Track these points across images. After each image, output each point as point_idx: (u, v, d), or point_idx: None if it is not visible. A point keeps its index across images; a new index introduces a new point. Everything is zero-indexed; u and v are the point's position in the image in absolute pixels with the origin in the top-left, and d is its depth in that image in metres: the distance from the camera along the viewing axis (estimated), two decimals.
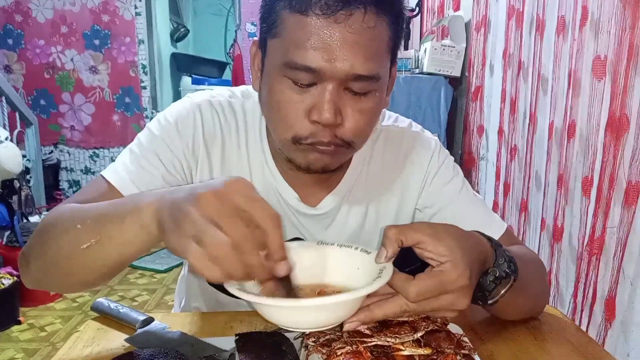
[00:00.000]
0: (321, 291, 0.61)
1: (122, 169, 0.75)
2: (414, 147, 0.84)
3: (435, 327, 0.65)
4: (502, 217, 1.56)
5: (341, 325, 0.58)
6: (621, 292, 0.99)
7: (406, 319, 0.65)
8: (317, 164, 0.69)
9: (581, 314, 1.12)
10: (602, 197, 1.04)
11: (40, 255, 0.65)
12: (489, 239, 0.63)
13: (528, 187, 1.37)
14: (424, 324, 0.65)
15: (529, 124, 1.36)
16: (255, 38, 0.73)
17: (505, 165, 1.55)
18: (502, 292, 0.62)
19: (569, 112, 1.15)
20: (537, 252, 1.34)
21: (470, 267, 0.55)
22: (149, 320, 0.81)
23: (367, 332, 0.63)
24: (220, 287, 0.82)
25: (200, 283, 0.94)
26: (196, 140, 0.77)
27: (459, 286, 0.54)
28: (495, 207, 1.63)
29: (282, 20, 0.64)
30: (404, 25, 0.70)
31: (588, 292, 1.09)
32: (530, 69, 1.36)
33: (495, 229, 0.78)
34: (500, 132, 1.59)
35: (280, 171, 0.79)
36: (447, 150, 0.87)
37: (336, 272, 0.62)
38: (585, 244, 1.10)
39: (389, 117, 0.87)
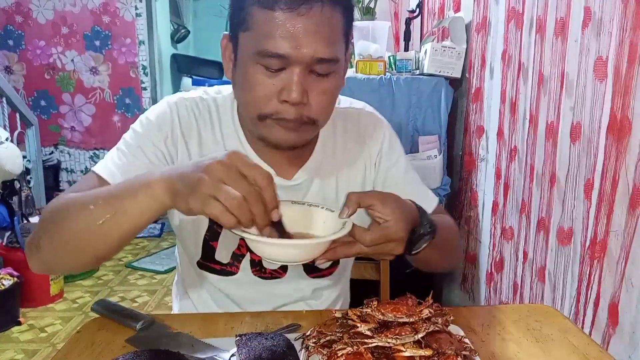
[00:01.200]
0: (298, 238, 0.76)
1: (111, 164, 0.84)
2: (370, 126, 0.98)
3: (436, 328, 0.65)
4: (503, 217, 1.56)
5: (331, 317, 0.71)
6: (625, 298, 0.99)
7: (407, 320, 0.65)
8: (285, 141, 0.81)
9: (584, 318, 1.12)
10: (604, 200, 1.03)
11: (52, 238, 0.73)
12: (417, 206, 0.80)
13: (530, 189, 1.37)
14: (425, 325, 0.65)
15: (529, 125, 1.36)
16: (225, 32, 0.83)
17: (505, 166, 1.55)
18: (424, 245, 0.79)
19: (569, 113, 1.15)
20: (537, 253, 1.34)
21: (406, 225, 0.74)
22: (150, 321, 0.81)
23: (368, 332, 0.64)
24: (205, 266, 0.95)
25: (192, 288, 1.01)
26: (174, 132, 0.88)
27: (398, 237, 0.73)
28: (495, 208, 1.63)
29: (251, 16, 0.74)
30: (353, 13, 0.82)
31: (591, 296, 1.09)
32: (530, 70, 1.36)
33: (430, 201, 0.97)
34: (500, 133, 1.59)
35: (255, 151, 0.90)
36: (394, 131, 1.01)
37: (307, 223, 0.78)
38: (587, 247, 1.10)
39: (345, 101, 1.01)
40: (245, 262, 0.95)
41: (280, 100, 0.76)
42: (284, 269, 0.97)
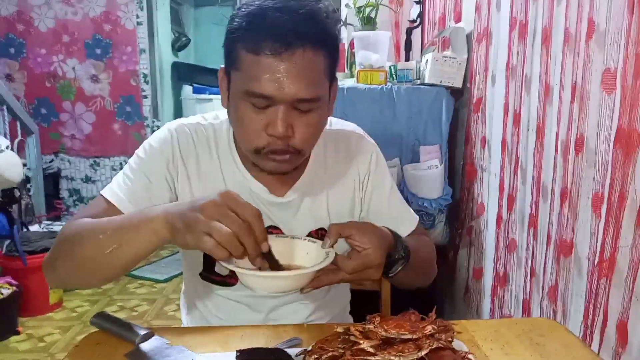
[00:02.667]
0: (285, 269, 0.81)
1: (117, 188, 0.92)
2: (359, 148, 1.04)
3: (440, 345, 0.64)
4: (507, 230, 1.55)
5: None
6: (634, 315, 0.97)
7: (410, 336, 0.64)
8: (276, 169, 0.89)
9: (592, 336, 1.10)
10: (612, 215, 1.02)
11: (67, 260, 0.82)
12: (392, 232, 0.88)
13: (536, 202, 1.36)
14: (429, 341, 0.64)
15: (536, 137, 1.35)
16: (222, 65, 0.90)
17: (509, 178, 1.54)
18: (399, 269, 0.87)
19: (576, 125, 1.14)
20: (542, 267, 1.33)
21: (382, 252, 0.81)
22: (149, 334, 0.80)
23: (371, 349, 0.63)
24: (207, 278, 1.02)
25: (198, 298, 1.06)
26: (175, 156, 0.95)
27: (375, 264, 0.81)
28: (499, 220, 1.62)
29: (240, 58, 0.82)
30: (338, 50, 0.89)
31: (599, 314, 1.08)
32: (536, 81, 1.35)
33: (410, 222, 1.05)
34: (504, 144, 1.58)
35: (249, 171, 0.97)
36: (381, 153, 1.07)
37: (292, 255, 0.85)
38: (595, 263, 1.09)
39: (336, 123, 1.07)
40: None
41: (268, 133, 0.83)
42: None
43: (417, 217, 1.08)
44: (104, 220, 0.82)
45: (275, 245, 0.81)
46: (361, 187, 1.04)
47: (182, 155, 0.96)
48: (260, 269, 0.75)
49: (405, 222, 1.04)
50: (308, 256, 0.83)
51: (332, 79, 0.89)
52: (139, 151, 0.97)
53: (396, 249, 0.86)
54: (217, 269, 0.99)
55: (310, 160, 1.00)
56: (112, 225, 0.79)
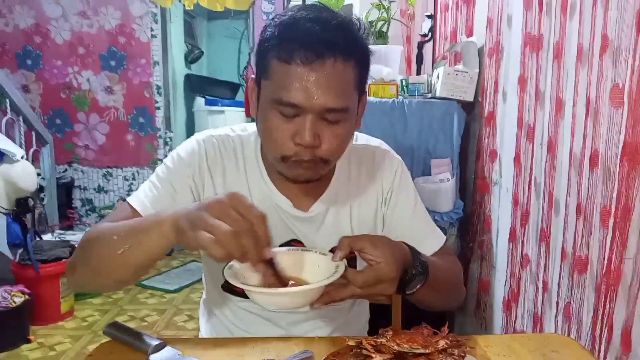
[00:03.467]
0: (294, 283, 0.79)
1: (143, 196, 0.93)
2: (384, 163, 1.03)
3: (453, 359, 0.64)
4: (521, 245, 1.54)
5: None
6: (638, 324, 0.97)
7: (423, 351, 0.64)
8: (301, 177, 0.88)
9: (600, 347, 1.10)
10: (618, 227, 1.02)
11: (85, 263, 0.84)
12: (410, 248, 0.84)
13: (549, 217, 1.35)
14: (441, 356, 0.64)
15: (548, 151, 1.35)
16: (252, 76, 0.91)
17: (523, 193, 1.53)
18: (418, 286, 0.82)
19: (589, 140, 1.14)
20: (555, 282, 1.32)
21: (396, 266, 0.78)
22: (161, 345, 0.80)
23: None
24: (228, 289, 1.02)
25: (217, 307, 1.06)
26: (201, 167, 0.96)
27: (389, 278, 0.77)
28: (513, 235, 1.61)
29: (271, 67, 0.82)
30: (369, 62, 0.88)
31: (605, 324, 1.07)
32: (548, 96, 1.35)
33: (437, 240, 1.02)
34: (517, 158, 1.58)
35: (274, 184, 0.97)
36: (407, 169, 1.06)
37: (301, 268, 0.83)
38: (603, 274, 1.08)
39: (362, 138, 1.07)
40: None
41: (295, 143, 0.83)
42: None
43: (445, 236, 1.05)
44: (121, 223, 0.83)
45: (286, 258, 0.81)
46: (384, 203, 1.02)
47: (208, 166, 0.96)
48: (264, 278, 0.74)
49: (429, 240, 1.01)
50: (319, 269, 0.81)
51: (362, 92, 0.89)
52: (167, 160, 0.98)
53: (413, 265, 0.83)
54: None
55: (334, 175, 1.00)
56: (126, 228, 0.80)
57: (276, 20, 0.84)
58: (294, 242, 0.97)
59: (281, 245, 0.94)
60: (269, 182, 0.97)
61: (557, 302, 1.31)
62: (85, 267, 0.84)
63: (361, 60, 0.85)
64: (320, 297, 0.77)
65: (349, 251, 0.79)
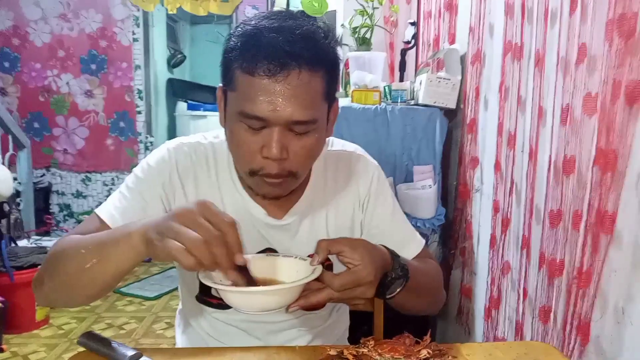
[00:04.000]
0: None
1: (112, 207, 0.91)
2: (360, 169, 1.02)
3: None
4: (502, 252, 1.55)
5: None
6: (610, 330, 0.98)
7: None
8: (270, 194, 0.87)
9: (572, 349, 1.11)
10: (590, 231, 1.04)
11: (52, 277, 0.81)
12: (390, 251, 0.84)
13: (529, 223, 1.36)
14: None
15: (529, 159, 1.36)
16: (220, 85, 0.88)
17: (503, 199, 1.54)
18: (398, 289, 0.82)
19: (566, 147, 1.16)
20: (535, 289, 1.33)
21: (375, 269, 0.77)
22: (138, 356, 0.78)
23: None
24: (202, 300, 0.99)
25: (193, 316, 1.04)
26: (172, 176, 0.93)
27: (367, 281, 0.76)
28: (493, 241, 1.61)
29: (236, 78, 0.80)
30: (339, 70, 0.87)
31: (573, 326, 1.09)
32: (529, 103, 1.37)
33: (416, 244, 1.02)
34: (497, 165, 1.58)
35: (247, 192, 0.95)
36: (383, 174, 1.05)
37: (280, 274, 0.82)
38: (573, 277, 1.10)
39: (337, 143, 1.05)
40: None
41: (263, 156, 0.81)
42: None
43: (423, 240, 1.05)
44: (89, 236, 0.80)
45: (264, 263, 0.80)
46: (361, 209, 1.01)
47: (179, 175, 0.94)
48: (237, 285, 0.71)
49: (409, 245, 1.00)
50: (297, 274, 0.79)
51: (331, 100, 0.87)
52: (137, 170, 0.95)
53: (393, 268, 0.82)
54: (214, 291, 0.95)
55: (309, 182, 0.98)
56: (94, 241, 0.77)
57: (240, 29, 0.82)
58: (268, 251, 0.95)
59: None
60: (242, 191, 0.95)
61: (537, 309, 1.31)
62: (53, 283, 0.81)
63: (329, 70, 0.83)
64: (296, 300, 0.76)
65: (327, 254, 0.77)
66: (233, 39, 0.82)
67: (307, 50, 0.78)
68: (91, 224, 0.90)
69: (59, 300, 0.87)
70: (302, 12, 0.87)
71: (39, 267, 0.86)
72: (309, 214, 0.97)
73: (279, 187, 0.86)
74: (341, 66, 0.89)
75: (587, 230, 1.05)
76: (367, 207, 1.01)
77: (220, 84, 0.88)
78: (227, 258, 0.66)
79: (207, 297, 0.98)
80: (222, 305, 0.97)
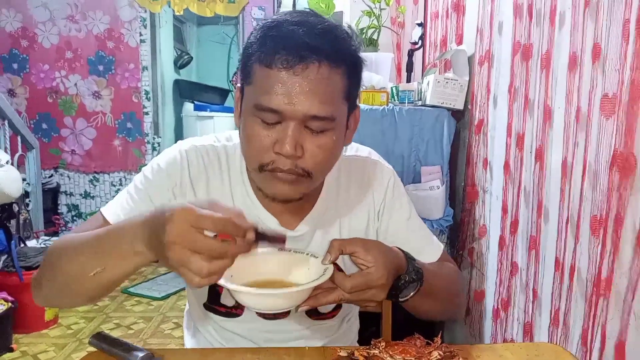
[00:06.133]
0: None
1: (119, 208, 0.88)
2: (374, 175, 0.98)
3: None
4: (511, 253, 1.54)
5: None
6: (633, 336, 0.97)
7: None
8: (280, 193, 0.81)
9: (591, 357, 1.09)
10: (609, 237, 1.02)
11: (51, 280, 0.78)
12: (405, 253, 0.82)
13: (538, 225, 1.35)
14: None
15: (536, 160, 1.36)
16: (239, 84, 0.86)
17: (512, 200, 1.53)
18: (412, 293, 0.80)
19: (577, 149, 1.15)
20: (545, 291, 1.32)
21: (388, 272, 0.75)
22: (148, 356, 0.79)
23: None
24: (210, 308, 0.98)
25: (200, 319, 1.02)
26: (183, 180, 0.90)
27: (379, 284, 0.74)
28: (502, 243, 1.61)
29: (253, 71, 0.78)
30: (361, 72, 0.83)
31: (596, 335, 1.07)
32: (537, 105, 1.36)
33: (434, 249, 0.98)
34: (507, 166, 1.58)
35: (260, 201, 0.91)
36: (399, 179, 1.01)
37: (292, 270, 0.81)
38: (594, 284, 1.08)
39: (350, 148, 1.00)
40: None
41: (275, 151, 0.77)
42: (286, 312, 0.96)
43: (442, 245, 1.01)
44: (88, 236, 0.76)
45: (276, 259, 0.79)
46: (377, 217, 0.97)
47: (191, 179, 0.90)
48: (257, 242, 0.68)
49: (426, 250, 0.96)
50: (308, 272, 0.78)
51: (352, 104, 0.84)
52: (146, 170, 0.92)
53: (407, 272, 0.80)
54: (223, 299, 0.95)
55: (322, 191, 0.94)
56: (96, 246, 0.74)
57: (260, 24, 0.80)
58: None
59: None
60: (254, 199, 0.92)
61: (547, 310, 1.31)
62: (53, 285, 0.79)
63: (350, 68, 0.79)
64: (306, 299, 0.75)
65: (340, 254, 0.76)
66: (253, 33, 0.80)
67: (329, 44, 0.75)
68: (95, 223, 0.88)
69: (59, 302, 0.87)
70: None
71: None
72: (322, 224, 0.94)
73: (290, 186, 0.80)
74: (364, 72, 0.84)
75: (606, 236, 1.03)
76: (383, 215, 0.98)
77: (239, 84, 0.85)
78: (239, 249, 0.64)
79: (215, 305, 0.97)
80: (230, 313, 0.96)
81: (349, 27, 0.83)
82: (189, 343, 1.07)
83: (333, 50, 0.75)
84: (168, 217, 0.62)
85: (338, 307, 1.00)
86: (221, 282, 0.70)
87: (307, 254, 0.82)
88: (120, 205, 0.89)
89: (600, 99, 1.05)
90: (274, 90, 0.74)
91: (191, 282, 0.63)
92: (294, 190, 0.82)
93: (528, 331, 1.43)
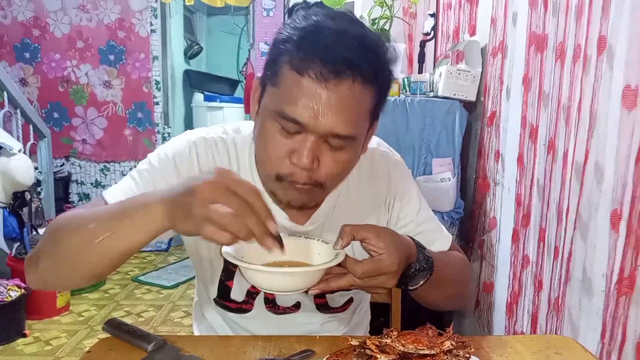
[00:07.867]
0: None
1: (121, 193, 0.85)
2: (383, 166, 0.96)
3: None
4: (524, 246, 1.53)
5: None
6: None
7: (428, 352, 0.63)
8: (296, 202, 0.81)
9: (610, 355, 1.09)
10: (632, 232, 1.01)
11: (50, 254, 0.75)
12: (416, 242, 0.81)
13: (548, 217, 1.34)
14: (446, 357, 0.63)
15: (549, 153, 1.34)
16: (258, 74, 0.82)
17: (525, 194, 1.52)
18: (422, 282, 0.79)
19: (592, 142, 1.13)
20: (556, 284, 1.32)
21: (399, 259, 0.74)
22: (161, 342, 0.79)
23: None
24: (221, 305, 0.97)
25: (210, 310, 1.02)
26: (191, 172, 0.87)
27: (390, 271, 0.73)
28: (515, 236, 1.60)
29: (282, 73, 0.74)
30: (388, 92, 0.81)
31: (617, 333, 1.06)
32: (553, 97, 1.34)
33: (442, 243, 0.97)
34: (520, 159, 1.57)
35: (270, 196, 0.87)
36: (409, 170, 1.01)
37: (303, 255, 0.80)
38: (613, 281, 1.07)
39: None
40: (260, 299, 0.96)
41: (291, 161, 0.76)
42: (297, 306, 0.97)
43: (450, 235, 1.00)
44: (94, 209, 0.75)
45: (289, 244, 0.78)
46: (387, 209, 0.96)
47: (200, 171, 0.88)
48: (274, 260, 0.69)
49: (436, 241, 0.95)
50: (320, 257, 0.79)
51: (375, 119, 0.82)
52: (152, 157, 0.90)
53: (417, 260, 0.79)
54: (233, 294, 0.95)
55: None
56: (104, 214, 0.72)
57: (297, 22, 0.75)
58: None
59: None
60: (264, 193, 0.88)
61: (556, 304, 1.30)
62: (53, 260, 0.75)
63: (382, 89, 0.77)
64: (317, 284, 0.74)
65: (352, 239, 0.75)
66: (288, 29, 0.75)
67: (367, 63, 0.72)
68: (97, 206, 0.83)
69: (57, 280, 0.81)
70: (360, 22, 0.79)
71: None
72: (332, 219, 0.93)
73: (305, 195, 0.80)
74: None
75: (630, 232, 1.02)
76: (393, 206, 0.96)
77: (259, 74, 0.82)
78: (261, 227, 0.64)
79: (225, 300, 0.97)
80: (241, 309, 0.96)
81: (388, 40, 0.80)
82: (198, 331, 1.08)
83: (370, 70, 0.73)
84: (206, 177, 0.64)
85: (349, 301, 1.00)
86: (232, 259, 0.70)
87: (319, 240, 0.82)
88: (123, 190, 0.86)
89: (622, 90, 1.03)
90: (300, 102, 0.72)
91: (212, 235, 0.62)
92: (308, 199, 0.82)
93: (539, 323, 1.43)
